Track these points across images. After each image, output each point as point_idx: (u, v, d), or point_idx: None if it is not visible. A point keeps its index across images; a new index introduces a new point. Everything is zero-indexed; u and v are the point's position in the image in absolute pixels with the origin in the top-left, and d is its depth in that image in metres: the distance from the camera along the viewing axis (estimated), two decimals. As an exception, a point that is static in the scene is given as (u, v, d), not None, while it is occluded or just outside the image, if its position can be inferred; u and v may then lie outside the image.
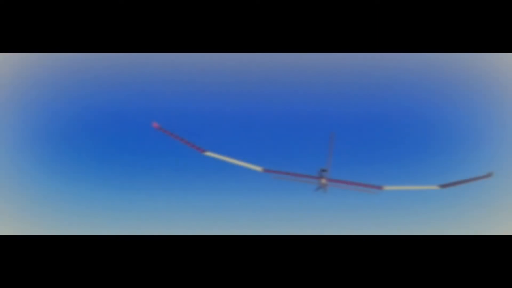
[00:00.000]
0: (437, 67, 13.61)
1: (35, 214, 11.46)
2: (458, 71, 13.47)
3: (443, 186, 11.08)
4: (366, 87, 13.48)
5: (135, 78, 13.86)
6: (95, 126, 13.10)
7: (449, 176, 11.47)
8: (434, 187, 11.09)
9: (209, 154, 12.05)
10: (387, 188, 11.05)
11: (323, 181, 11.21)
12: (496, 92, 13.03)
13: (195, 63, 14.07)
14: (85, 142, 12.78)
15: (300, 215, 11.49)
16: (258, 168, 11.61)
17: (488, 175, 11.22)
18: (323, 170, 11.54)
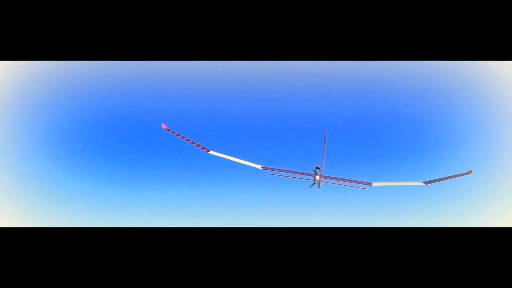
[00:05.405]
0: (422, 73, 14.44)
1: (54, 208, 12.32)
2: (441, 77, 14.31)
3: (427, 182, 11.57)
4: (358, 92, 14.38)
5: (145, 84, 14.82)
6: (109, 128, 14.08)
7: (432, 173, 12.08)
8: (419, 184, 11.53)
9: (213, 153, 12.60)
10: (376, 184, 11.48)
11: (317, 178, 11.74)
12: (475, 96, 13.85)
13: (201, 71, 15.02)
14: (100, 143, 13.72)
15: (295, 208, 12.23)
16: (257, 166, 12.21)
17: (468, 172, 11.72)
18: (317, 168, 12.16)
